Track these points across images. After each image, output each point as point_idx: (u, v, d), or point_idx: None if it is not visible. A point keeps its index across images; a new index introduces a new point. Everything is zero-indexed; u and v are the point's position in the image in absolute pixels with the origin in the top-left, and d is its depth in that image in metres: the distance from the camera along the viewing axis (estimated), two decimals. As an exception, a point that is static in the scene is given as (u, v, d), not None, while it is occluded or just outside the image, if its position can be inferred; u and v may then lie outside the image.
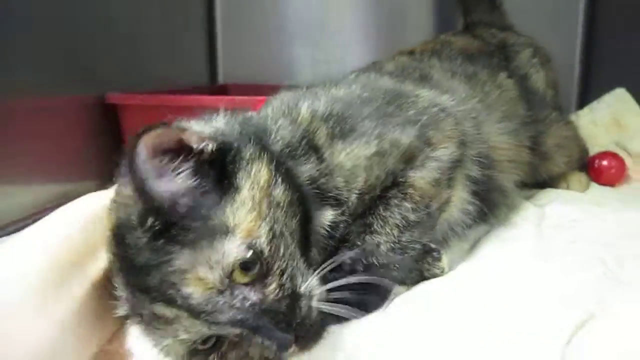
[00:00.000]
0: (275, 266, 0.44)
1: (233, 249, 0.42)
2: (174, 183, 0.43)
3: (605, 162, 0.95)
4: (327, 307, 0.45)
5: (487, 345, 0.44)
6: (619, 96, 1.12)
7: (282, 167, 0.49)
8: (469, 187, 0.65)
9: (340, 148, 0.54)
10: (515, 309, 0.49)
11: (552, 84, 0.91)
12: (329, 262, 0.48)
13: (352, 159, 0.54)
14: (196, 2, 1.41)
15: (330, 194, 0.52)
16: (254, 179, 0.46)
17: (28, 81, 0.81)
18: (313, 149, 0.53)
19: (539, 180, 0.88)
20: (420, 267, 0.58)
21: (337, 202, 0.52)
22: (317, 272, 0.47)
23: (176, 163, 0.43)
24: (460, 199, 0.65)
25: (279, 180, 0.47)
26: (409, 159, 0.57)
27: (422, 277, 0.58)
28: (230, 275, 0.42)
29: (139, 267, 0.41)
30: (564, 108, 1.15)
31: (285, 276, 0.44)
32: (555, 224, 0.73)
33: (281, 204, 0.46)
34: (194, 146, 0.44)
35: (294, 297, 0.44)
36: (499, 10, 1.05)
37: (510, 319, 0.48)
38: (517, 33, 0.97)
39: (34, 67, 0.83)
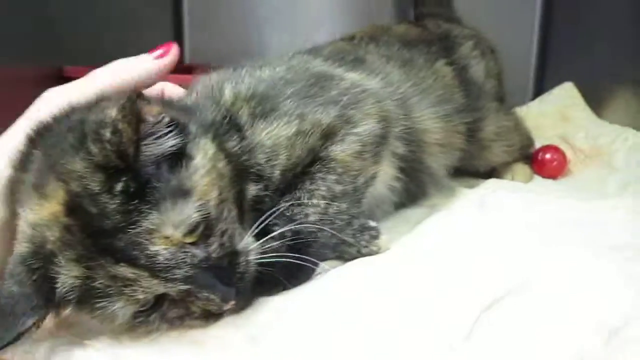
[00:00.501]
0: (218, 227, 0.47)
1: (191, 208, 0.45)
2: (148, 143, 0.45)
3: (548, 155, 0.99)
4: (262, 260, 0.50)
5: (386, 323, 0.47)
6: (567, 90, 1.16)
7: (220, 143, 0.52)
8: (395, 164, 0.70)
9: (262, 127, 0.57)
10: (432, 286, 0.52)
11: (493, 75, 0.95)
12: (260, 220, 0.52)
13: (272, 138, 0.57)
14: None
15: (252, 170, 0.55)
16: (204, 151, 0.49)
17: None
18: (235, 128, 0.56)
19: (480, 170, 0.93)
20: (357, 244, 0.61)
21: (259, 178, 0.56)
22: (251, 231, 0.51)
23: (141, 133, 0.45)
24: (386, 174, 0.69)
25: (221, 155, 0.50)
26: (329, 135, 0.60)
27: (360, 254, 0.61)
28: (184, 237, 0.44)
29: (105, 231, 0.43)
30: (520, 99, 1.21)
31: (225, 237, 0.48)
32: (496, 210, 0.77)
33: (224, 175, 0.50)
34: (151, 119, 0.46)
35: (234, 254, 0.48)
36: (449, 4, 1.12)
37: (425, 295, 0.51)
38: (463, 26, 1.01)
39: None
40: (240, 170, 0.53)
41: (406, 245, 0.63)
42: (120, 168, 0.44)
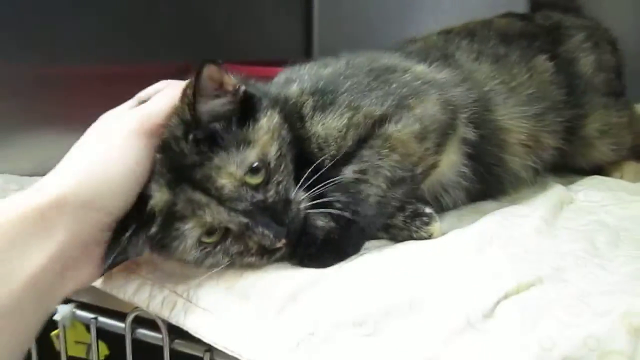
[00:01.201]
0: (275, 177, 0.57)
1: (253, 155, 0.56)
2: (216, 104, 0.57)
3: (668, 154, 0.92)
4: (312, 212, 0.58)
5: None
6: None
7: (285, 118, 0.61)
8: (464, 150, 0.71)
9: (318, 119, 0.63)
10: (465, 265, 0.55)
11: (607, 68, 0.89)
12: (322, 184, 0.59)
13: (325, 129, 0.62)
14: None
15: (305, 158, 0.61)
16: (270, 118, 0.59)
17: (125, 48, 0.98)
18: (299, 118, 0.63)
19: (586, 168, 0.89)
20: (409, 230, 0.63)
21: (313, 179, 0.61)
22: (303, 187, 0.59)
23: (219, 92, 0.57)
24: (452, 162, 0.70)
25: (285, 125, 0.61)
26: (384, 120, 0.63)
27: (412, 238, 0.63)
28: (245, 176, 0.55)
29: (186, 166, 0.54)
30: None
31: (281, 186, 0.57)
32: (579, 207, 0.75)
33: (285, 139, 0.60)
34: (230, 88, 0.57)
35: (287, 201, 0.57)
36: None
37: (455, 273, 0.53)
38: (579, 16, 0.96)
39: (128, 35, 0.99)
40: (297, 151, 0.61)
41: (458, 231, 0.64)
42: (190, 122, 0.55)
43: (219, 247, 0.56)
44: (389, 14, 1.44)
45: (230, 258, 0.57)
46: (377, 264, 0.56)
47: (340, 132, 0.62)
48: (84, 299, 0.69)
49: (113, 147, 0.55)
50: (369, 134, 0.63)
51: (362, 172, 0.61)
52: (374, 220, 0.61)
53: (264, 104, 0.60)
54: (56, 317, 0.69)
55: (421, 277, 0.53)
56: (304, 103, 0.64)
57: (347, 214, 0.59)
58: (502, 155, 0.75)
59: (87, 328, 0.70)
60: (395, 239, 0.64)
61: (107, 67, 0.97)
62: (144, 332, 0.64)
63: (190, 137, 0.55)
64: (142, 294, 0.58)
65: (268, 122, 0.59)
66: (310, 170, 0.59)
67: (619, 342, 0.43)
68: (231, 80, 0.57)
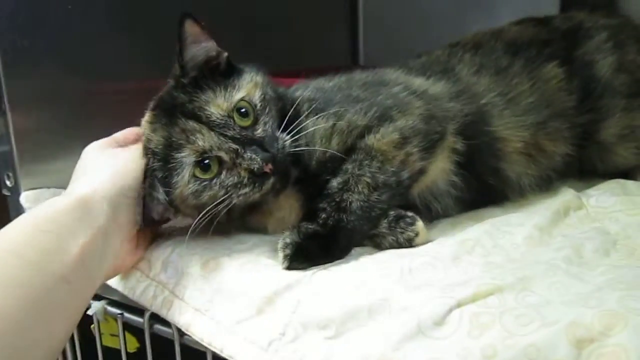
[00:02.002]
0: (262, 119, 0.65)
1: (239, 94, 0.65)
2: (196, 50, 0.66)
3: None
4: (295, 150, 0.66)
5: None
6: None
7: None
8: (453, 159, 0.73)
9: (310, 121, 0.68)
10: (437, 271, 0.57)
11: (630, 69, 0.85)
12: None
13: (314, 128, 0.68)
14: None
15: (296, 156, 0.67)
16: (253, 75, 0.69)
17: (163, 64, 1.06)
18: (296, 116, 0.69)
19: (609, 171, 0.85)
20: (394, 234, 0.65)
21: (298, 163, 0.67)
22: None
23: (198, 39, 0.67)
24: (441, 170, 0.72)
25: (269, 86, 0.69)
26: (367, 131, 0.68)
27: (399, 244, 0.65)
28: (233, 111, 0.64)
29: (178, 104, 0.65)
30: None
31: (267, 126, 0.65)
32: (587, 213, 0.74)
33: (269, 94, 0.68)
34: (203, 37, 0.68)
35: (274, 136, 0.65)
36: None
37: (423, 278, 0.56)
38: (607, 14, 0.92)
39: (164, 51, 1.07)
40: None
41: (448, 236, 0.66)
42: (177, 73, 0.66)
43: (215, 180, 0.64)
44: (432, 21, 1.45)
45: (226, 190, 0.64)
46: (349, 271, 0.60)
47: (326, 131, 0.68)
48: (115, 297, 0.78)
49: (122, 153, 0.68)
50: (353, 144, 0.68)
51: (345, 182, 0.65)
52: (361, 224, 0.65)
53: (253, 69, 0.70)
54: (90, 312, 0.79)
55: (387, 284, 0.55)
56: (301, 105, 0.71)
57: (331, 222, 0.63)
58: (499, 165, 0.76)
59: (117, 322, 0.79)
60: (381, 246, 0.67)
61: (147, 83, 1.05)
62: (159, 328, 0.71)
63: (182, 81, 0.65)
64: (147, 294, 0.66)
65: (252, 76, 0.69)
66: (290, 113, 0.67)
67: (559, 352, 0.44)
68: (206, 33, 0.67)
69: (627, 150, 0.84)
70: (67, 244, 0.57)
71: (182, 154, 0.63)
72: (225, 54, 0.69)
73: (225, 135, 0.62)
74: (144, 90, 1.04)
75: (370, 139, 0.67)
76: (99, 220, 0.61)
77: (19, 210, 0.90)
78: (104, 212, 0.61)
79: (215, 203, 0.63)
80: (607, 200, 0.76)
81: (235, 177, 0.63)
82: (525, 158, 0.77)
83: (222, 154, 0.63)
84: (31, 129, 0.92)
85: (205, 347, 0.62)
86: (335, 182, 0.66)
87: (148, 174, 0.65)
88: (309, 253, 0.62)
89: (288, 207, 0.70)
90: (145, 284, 0.67)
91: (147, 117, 0.69)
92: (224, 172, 0.63)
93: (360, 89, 0.73)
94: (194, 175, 0.63)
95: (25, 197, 0.90)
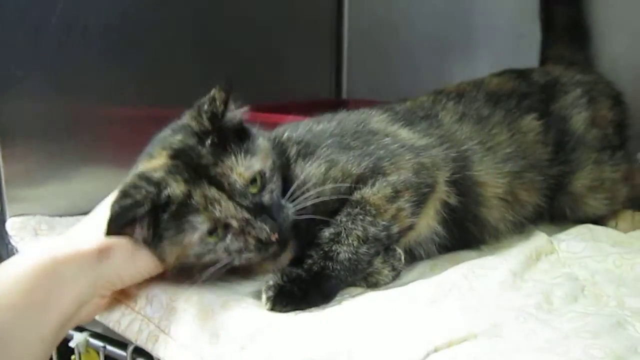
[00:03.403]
0: (269, 185, 0.66)
1: (257, 163, 0.66)
2: (238, 114, 0.68)
3: (669, 203, 0.92)
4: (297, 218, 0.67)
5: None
6: None
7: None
8: (441, 215, 0.76)
9: (300, 165, 0.71)
10: (413, 315, 0.59)
11: (604, 124, 0.91)
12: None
13: (305, 175, 0.70)
14: (325, 23, 1.58)
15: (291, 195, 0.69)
16: (263, 141, 0.70)
17: (157, 93, 1.07)
18: (286, 159, 0.72)
19: (575, 218, 0.90)
20: (390, 263, 0.70)
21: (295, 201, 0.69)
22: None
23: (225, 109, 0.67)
24: (429, 227, 0.75)
25: (274, 155, 0.70)
26: (361, 183, 0.70)
27: (396, 272, 0.70)
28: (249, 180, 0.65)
29: (203, 165, 0.64)
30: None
31: (274, 194, 0.67)
32: (557, 258, 0.77)
33: (275, 161, 0.69)
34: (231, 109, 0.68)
35: (279, 205, 0.66)
36: (582, 47, 1.07)
37: (399, 322, 0.58)
38: (582, 71, 0.97)
39: (159, 80, 1.08)
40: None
41: (427, 277, 0.70)
42: (207, 130, 0.65)
43: (220, 244, 0.64)
44: (414, 59, 1.49)
45: (230, 255, 0.65)
46: (330, 313, 0.62)
47: (318, 178, 0.70)
48: (97, 329, 0.79)
49: None
50: (346, 193, 0.70)
51: (337, 234, 0.68)
52: (345, 274, 0.67)
53: (258, 133, 0.71)
54: (71, 344, 0.79)
55: (366, 327, 0.58)
56: (290, 147, 0.73)
57: (315, 268, 0.66)
58: (479, 210, 0.79)
59: (99, 355, 0.79)
60: (377, 284, 0.70)
61: (137, 110, 1.07)
62: (142, 361, 0.72)
63: (208, 141, 0.65)
64: (133, 328, 0.67)
65: (263, 143, 0.70)
66: (293, 187, 0.68)
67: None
68: (232, 105, 0.68)
69: (597, 200, 0.88)
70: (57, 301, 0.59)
71: (197, 219, 0.62)
72: (239, 116, 0.70)
73: (241, 205, 0.63)
74: (134, 117, 1.08)
75: (366, 192, 0.70)
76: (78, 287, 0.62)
77: (4, 237, 0.91)
78: (84, 278, 0.62)
79: (217, 266, 0.65)
80: (576, 246, 0.80)
81: (242, 243, 0.64)
82: (503, 204, 0.81)
83: (233, 222, 0.63)
84: (19, 155, 0.93)
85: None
86: (327, 232, 0.68)
87: (151, 208, 0.63)
88: (290, 296, 0.64)
89: None
90: (130, 317, 0.68)
91: (164, 161, 0.65)
92: (229, 237, 0.64)
93: (352, 137, 0.75)
94: (203, 236, 0.64)
95: (11, 224, 0.90)
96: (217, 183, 0.63)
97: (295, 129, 0.78)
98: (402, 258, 0.71)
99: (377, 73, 1.56)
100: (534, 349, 0.53)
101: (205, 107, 0.66)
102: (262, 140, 0.70)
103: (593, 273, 0.72)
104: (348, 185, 0.70)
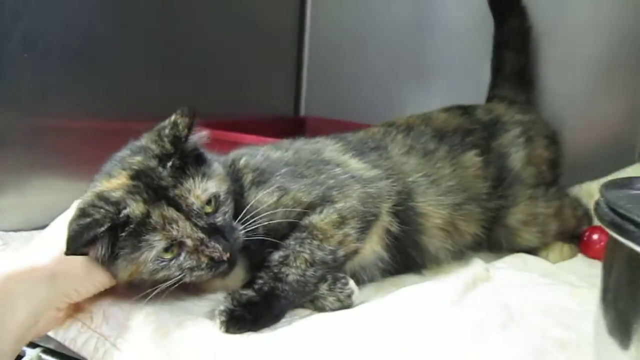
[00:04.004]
0: (222, 208, 0.70)
1: (213, 186, 0.70)
2: (189, 141, 0.71)
3: (594, 236, 1.00)
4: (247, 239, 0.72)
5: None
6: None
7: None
8: (384, 242, 0.81)
9: (254, 193, 0.75)
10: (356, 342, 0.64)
11: (539, 162, 0.99)
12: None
13: (258, 202, 0.74)
14: (286, 40, 1.62)
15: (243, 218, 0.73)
16: (218, 167, 0.74)
17: (122, 106, 1.10)
18: (240, 186, 0.76)
19: (510, 249, 0.97)
20: (335, 294, 0.73)
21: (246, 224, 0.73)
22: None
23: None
24: (373, 252, 0.81)
25: (229, 181, 0.74)
26: (310, 209, 0.75)
27: (340, 302, 0.74)
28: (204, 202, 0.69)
29: (162, 187, 0.67)
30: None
31: (227, 215, 0.71)
32: (493, 286, 0.84)
33: (230, 186, 0.73)
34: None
35: (231, 227, 0.71)
36: (526, 89, 1.16)
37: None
38: (522, 110, 1.06)
39: (123, 93, 1.10)
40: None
41: (372, 301, 0.75)
42: (169, 153, 0.69)
43: (173, 261, 0.68)
44: (373, 80, 1.56)
45: (182, 272, 0.68)
46: (280, 334, 0.66)
47: (270, 206, 0.75)
48: (51, 345, 0.80)
49: None
50: (296, 219, 0.75)
51: (286, 257, 0.72)
52: (294, 295, 0.71)
53: (213, 158, 0.75)
54: (24, 360, 0.80)
55: (314, 350, 0.63)
56: (245, 175, 0.78)
57: (265, 288, 0.69)
58: (420, 238, 0.85)
59: (51, 371, 0.80)
60: (324, 308, 0.74)
61: (95, 124, 1.08)
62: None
63: (170, 163, 0.68)
64: (89, 346, 0.69)
65: (219, 168, 0.74)
66: (245, 210, 0.72)
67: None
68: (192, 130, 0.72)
69: (530, 234, 0.96)
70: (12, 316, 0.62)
71: (155, 237, 0.66)
72: (195, 140, 0.74)
73: (197, 225, 0.67)
74: (92, 131, 1.08)
75: (314, 218, 0.75)
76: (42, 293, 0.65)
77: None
78: (33, 295, 0.65)
79: (168, 282, 0.68)
80: (510, 275, 0.87)
81: (195, 261, 0.68)
82: (443, 234, 0.87)
83: (189, 241, 0.67)
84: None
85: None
86: (276, 256, 0.72)
87: (110, 227, 0.65)
88: (242, 320, 0.67)
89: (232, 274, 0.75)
90: (86, 335, 0.70)
91: (124, 181, 0.68)
92: (182, 254, 0.67)
93: (305, 166, 0.80)
94: (159, 254, 0.67)
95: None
96: (176, 204, 0.67)
97: (254, 155, 0.82)
98: (353, 295, 0.74)
99: (336, 92, 1.62)
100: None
101: (167, 131, 0.70)
102: (217, 165, 0.74)
103: (523, 302, 0.78)
104: (298, 211, 0.75)
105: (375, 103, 1.55)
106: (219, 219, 0.69)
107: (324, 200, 0.76)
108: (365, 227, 0.78)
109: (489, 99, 1.17)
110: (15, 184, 0.97)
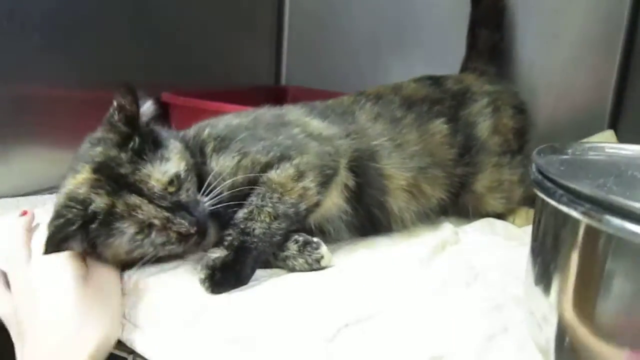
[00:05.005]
0: (185, 185, 0.73)
1: (172, 168, 0.73)
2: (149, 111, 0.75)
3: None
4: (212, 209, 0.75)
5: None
6: (606, 137, 1.19)
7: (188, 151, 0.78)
8: (344, 196, 0.85)
9: (215, 158, 0.79)
10: (326, 294, 0.69)
11: (506, 131, 1.04)
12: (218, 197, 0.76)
13: (220, 167, 0.78)
14: (267, 8, 1.64)
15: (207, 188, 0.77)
16: (175, 144, 0.77)
17: (108, 76, 1.10)
18: (202, 154, 0.80)
19: (477, 214, 1.02)
20: (304, 257, 0.77)
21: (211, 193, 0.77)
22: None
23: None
24: (334, 205, 0.85)
25: (188, 153, 0.77)
26: (269, 167, 0.79)
27: (309, 265, 0.77)
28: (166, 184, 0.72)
29: (122, 175, 0.70)
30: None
31: (190, 191, 0.74)
32: (459, 249, 0.89)
33: (189, 161, 0.76)
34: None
35: (196, 201, 0.74)
36: (495, 63, 1.21)
37: (314, 301, 0.68)
38: (491, 81, 1.10)
39: (109, 64, 1.12)
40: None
41: (346, 263, 0.80)
42: (128, 134, 0.72)
43: (146, 240, 0.72)
44: (353, 49, 1.58)
45: (155, 248, 0.72)
46: (261, 292, 0.71)
47: (232, 169, 0.79)
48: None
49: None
50: (256, 179, 0.78)
51: (250, 212, 0.76)
52: (263, 246, 0.75)
53: (168, 137, 0.78)
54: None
55: (291, 305, 0.67)
56: (207, 144, 0.81)
57: (235, 243, 0.73)
58: (384, 198, 0.89)
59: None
60: (294, 269, 0.78)
61: (77, 93, 1.10)
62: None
63: (130, 145, 0.71)
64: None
65: (175, 147, 0.76)
66: (209, 179, 0.76)
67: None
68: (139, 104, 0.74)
69: (495, 200, 1.01)
70: None
71: (124, 225, 0.70)
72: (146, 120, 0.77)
73: (160, 206, 0.70)
74: (74, 100, 1.10)
75: (272, 174, 0.78)
76: None
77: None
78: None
79: (144, 258, 0.72)
80: (477, 238, 0.92)
81: (165, 237, 0.72)
82: (407, 195, 0.91)
83: (156, 221, 0.70)
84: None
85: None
86: (241, 213, 0.76)
87: (80, 224, 0.68)
88: (224, 281, 0.72)
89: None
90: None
91: (87, 176, 0.70)
92: (153, 233, 0.71)
93: (264, 129, 0.84)
94: (131, 237, 0.71)
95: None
96: (137, 190, 0.70)
97: (216, 125, 0.85)
98: (322, 260, 0.77)
99: (316, 61, 1.64)
100: (426, 326, 0.64)
101: (116, 116, 0.73)
102: (173, 142, 0.77)
103: (486, 262, 0.84)
104: (258, 172, 0.78)
105: (355, 73, 1.57)
106: (182, 196, 0.73)
107: (282, 159, 0.79)
108: (325, 181, 0.81)
109: (462, 70, 1.21)
110: (0, 152, 0.99)
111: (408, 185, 0.91)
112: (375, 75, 1.56)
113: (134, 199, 0.69)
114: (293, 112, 0.91)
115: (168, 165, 0.73)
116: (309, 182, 0.79)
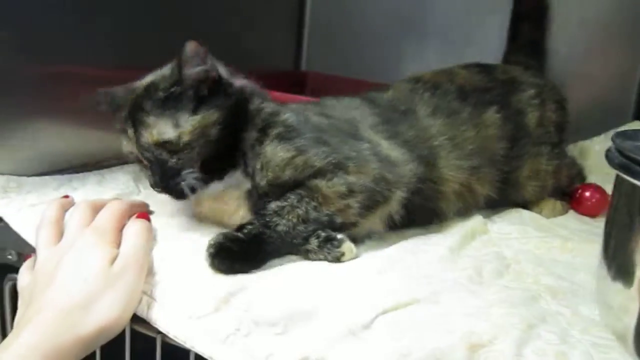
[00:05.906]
0: (178, 154, 0.75)
1: (171, 134, 0.75)
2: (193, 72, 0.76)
3: (587, 194, 1.05)
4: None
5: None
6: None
7: (233, 124, 0.78)
8: (385, 223, 0.83)
9: (273, 144, 0.77)
10: (360, 282, 0.69)
11: (549, 124, 1.02)
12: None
13: (270, 154, 0.77)
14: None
15: (249, 169, 0.78)
16: (207, 115, 0.76)
17: (124, 55, 1.08)
18: (265, 135, 0.78)
19: (515, 202, 1.01)
20: (324, 254, 0.73)
21: (251, 179, 0.78)
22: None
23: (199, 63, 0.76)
24: (368, 228, 0.82)
25: (221, 126, 0.76)
26: (320, 174, 0.75)
27: (327, 260, 0.74)
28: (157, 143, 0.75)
29: (142, 108, 0.76)
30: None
31: (179, 163, 0.75)
32: (489, 238, 0.89)
33: (210, 138, 0.76)
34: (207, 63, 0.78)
35: (177, 172, 0.75)
36: (539, 58, 1.20)
37: (347, 288, 0.68)
38: (536, 75, 1.08)
39: (125, 42, 1.09)
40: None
41: (376, 250, 0.79)
42: (175, 81, 0.76)
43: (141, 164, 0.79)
44: (375, 35, 1.56)
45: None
46: (292, 276, 0.70)
47: (282, 161, 0.76)
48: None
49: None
50: (304, 180, 0.76)
51: (281, 208, 0.74)
52: (281, 245, 0.73)
53: (216, 101, 0.77)
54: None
55: (324, 290, 0.67)
56: (276, 126, 0.79)
57: (254, 232, 0.72)
58: (434, 204, 0.87)
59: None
60: (313, 260, 0.75)
61: (107, 71, 1.09)
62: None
63: (171, 90, 0.76)
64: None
65: (202, 119, 0.75)
66: (257, 163, 0.77)
67: (457, 354, 0.58)
68: (209, 61, 0.77)
69: (531, 187, 1.00)
70: None
71: (124, 140, 0.80)
72: (214, 74, 0.78)
73: (142, 154, 0.77)
74: (103, 77, 1.07)
75: (321, 183, 0.75)
76: None
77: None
78: None
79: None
80: (506, 228, 0.92)
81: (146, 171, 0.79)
82: (457, 197, 0.89)
83: (139, 155, 0.78)
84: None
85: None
86: (273, 205, 0.74)
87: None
88: (229, 252, 0.70)
89: (235, 205, 0.79)
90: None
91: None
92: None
93: (333, 135, 0.80)
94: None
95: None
96: (136, 129, 0.76)
97: (296, 114, 0.82)
98: (343, 257, 0.74)
99: (336, 47, 1.62)
100: (463, 314, 0.64)
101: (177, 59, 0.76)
102: (205, 114, 0.75)
103: (517, 253, 0.84)
104: (307, 176, 0.76)
105: (378, 59, 1.55)
106: (170, 162, 0.75)
107: (337, 168, 0.76)
108: (371, 205, 0.77)
109: (504, 62, 1.19)
110: (27, 129, 0.97)
111: (460, 187, 0.88)
112: (399, 62, 1.55)
113: (130, 131, 0.77)
114: (365, 125, 0.85)
115: (169, 130, 0.74)
116: (354, 202, 0.76)
